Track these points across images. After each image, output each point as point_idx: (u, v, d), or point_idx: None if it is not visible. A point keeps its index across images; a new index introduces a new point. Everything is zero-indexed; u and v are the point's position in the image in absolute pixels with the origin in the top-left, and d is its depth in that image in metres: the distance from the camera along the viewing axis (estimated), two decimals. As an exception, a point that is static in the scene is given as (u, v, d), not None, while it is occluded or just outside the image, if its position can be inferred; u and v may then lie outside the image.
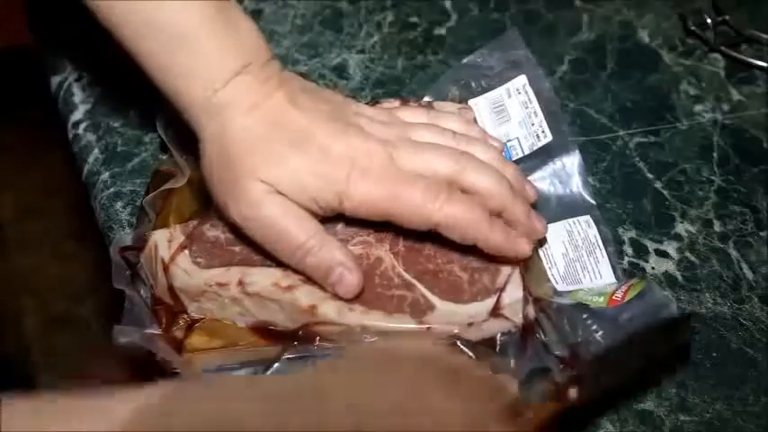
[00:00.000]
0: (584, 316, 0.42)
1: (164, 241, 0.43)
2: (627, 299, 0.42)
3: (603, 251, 0.47)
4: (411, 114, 0.45)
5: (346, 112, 0.42)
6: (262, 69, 0.40)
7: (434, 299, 0.42)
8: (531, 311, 0.42)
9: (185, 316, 0.43)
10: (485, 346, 0.40)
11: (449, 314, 0.41)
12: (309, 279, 0.41)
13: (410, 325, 0.41)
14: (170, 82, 0.40)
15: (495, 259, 0.42)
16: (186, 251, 0.42)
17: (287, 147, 0.39)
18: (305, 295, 0.41)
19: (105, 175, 0.50)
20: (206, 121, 0.40)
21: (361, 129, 0.41)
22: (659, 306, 0.41)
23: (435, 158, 0.41)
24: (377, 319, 0.41)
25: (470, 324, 0.41)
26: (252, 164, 0.39)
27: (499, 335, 0.41)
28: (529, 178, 0.50)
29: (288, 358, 0.41)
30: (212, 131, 0.40)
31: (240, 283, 0.41)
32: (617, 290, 0.42)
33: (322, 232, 0.40)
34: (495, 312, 0.41)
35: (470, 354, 0.40)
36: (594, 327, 0.41)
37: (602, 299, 0.42)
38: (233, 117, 0.40)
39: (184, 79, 0.40)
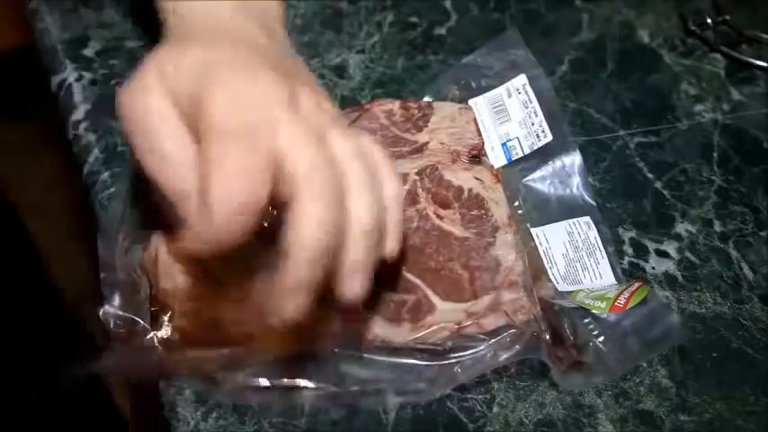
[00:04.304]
0: (586, 320, 0.42)
1: (164, 243, 0.43)
2: (629, 306, 0.42)
3: (604, 252, 0.47)
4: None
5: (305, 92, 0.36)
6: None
7: (436, 298, 0.42)
8: (532, 309, 0.42)
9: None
10: None
11: (450, 312, 0.41)
12: None
13: (410, 325, 0.41)
14: None
15: (496, 258, 0.42)
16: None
17: (239, 71, 0.34)
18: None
19: (105, 175, 0.50)
20: (174, 20, 0.39)
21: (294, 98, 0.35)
22: (661, 315, 0.41)
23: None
24: (376, 322, 0.41)
25: (470, 320, 0.41)
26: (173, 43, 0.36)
27: (499, 330, 0.41)
28: (529, 178, 0.50)
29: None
30: (183, 12, 0.38)
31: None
32: (619, 296, 0.42)
33: (192, 155, 0.33)
34: (495, 309, 0.41)
35: None
36: (596, 332, 0.41)
37: (603, 304, 0.42)
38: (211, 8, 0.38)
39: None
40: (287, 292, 0.32)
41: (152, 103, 0.34)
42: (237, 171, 0.31)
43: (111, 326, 0.40)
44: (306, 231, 0.31)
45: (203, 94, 0.32)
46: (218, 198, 0.30)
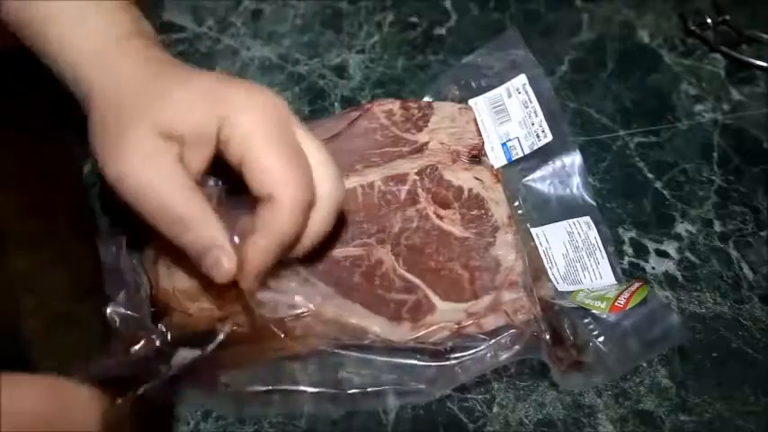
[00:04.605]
0: (586, 320, 0.42)
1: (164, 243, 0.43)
2: (629, 306, 0.42)
3: (603, 252, 0.47)
4: None
5: None
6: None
7: (436, 298, 0.42)
8: (532, 309, 0.42)
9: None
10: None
11: (450, 312, 0.41)
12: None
13: (410, 325, 0.41)
14: (57, 43, 0.39)
15: (496, 258, 0.42)
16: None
17: (173, 83, 0.37)
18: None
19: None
20: (97, 73, 0.38)
21: None
22: (661, 315, 0.41)
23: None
24: (376, 321, 0.41)
25: (470, 320, 0.41)
26: (140, 104, 0.37)
27: (499, 330, 0.41)
28: (529, 178, 0.50)
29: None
30: (103, 82, 0.38)
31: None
32: (619, 296, 0.42)
33: (207, 208, 0.37)
34: (495, 309, 0.41)
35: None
36: (596, 332, 0.41)
37: (603, 304, 0.42)
38: (125, 65, 0.38)
39: (74, 35, 0.39)
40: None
41: (159, 175, 0.36)
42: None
43: (117, 325, 0.40)
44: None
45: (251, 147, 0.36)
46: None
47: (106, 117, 0.37)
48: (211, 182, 0.40)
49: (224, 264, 0.37)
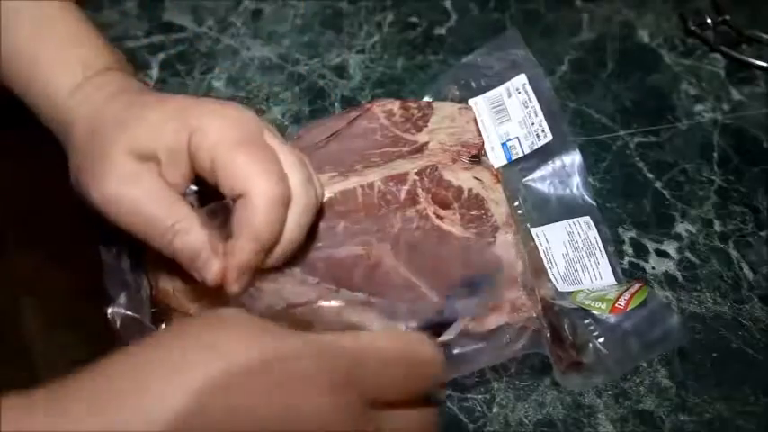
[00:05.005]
0: (587, 321, 0.42)
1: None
2: (630, 307, 0.42)
3: (603, 252, 0.47)
4: None
5: None
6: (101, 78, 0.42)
7: (436, 297, 0.42)
8: (532, 308, 0.42)
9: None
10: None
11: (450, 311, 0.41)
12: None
13: (409, 324, 0.41)
14: (40, 83, 0.41)
15: (496, 257, 0.42)
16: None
17: (145, 108, 0.39)
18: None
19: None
20: (77, 106, 0.40)
21: None
22: (661, 317, 0.41)
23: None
24: (376, 321, 0.41)
25: (472, 320, 0.41)
26: (115, 130, 0.38)
27: (500, 329, 0.41)
28: (529, 178, 0.50)
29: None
30: (83, 113, 0.40)
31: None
32: (620, 297, 0.42)
33: (191, 215, 0.38)
34: (495, 308, 0.41)
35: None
36: (596, 333, 0.41)
37: (604, 305, 0.42)
38: (101, 96, 0.40)
39: (54, 74, 0.41)
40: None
41: (141, 191, 0.38)
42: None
43: (118, 326, 0.40)
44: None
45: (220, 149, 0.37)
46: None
47: (86, 145, 0.39)
48: (193, 191, 0.41)
49: (213, 266, 0.37)
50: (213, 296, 0.42)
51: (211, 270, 0.38)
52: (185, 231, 0.38)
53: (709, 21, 0.60)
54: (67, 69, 0.41)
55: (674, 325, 0.41)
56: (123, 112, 0.39)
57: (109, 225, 0.39)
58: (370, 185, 0.46)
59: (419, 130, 0.49)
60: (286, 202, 0.38)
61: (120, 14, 0.59)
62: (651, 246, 0.50)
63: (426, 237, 0.44)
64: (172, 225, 0.38)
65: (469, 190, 0.46)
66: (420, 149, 0.48)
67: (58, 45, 0.42)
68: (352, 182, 0.46)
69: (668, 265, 0.49)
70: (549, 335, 0.41)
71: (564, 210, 0.49)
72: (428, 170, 0.47)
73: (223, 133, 0.37)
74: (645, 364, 0.44)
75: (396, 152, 0.48)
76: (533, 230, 0.48)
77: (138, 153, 0.38)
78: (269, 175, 0.37)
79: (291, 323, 0.41)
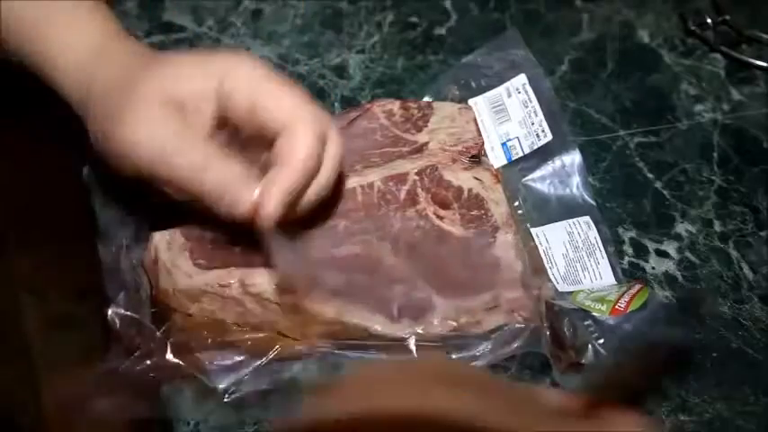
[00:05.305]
0: (587, 323, 0.42)
1: (164, 243, 0.43)
2: (630, 309, 0.42)
3: (603, 252, 0.47)
4: None
5: None
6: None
7: (436, 298, 0.42)
8: (531, 308, 0.42)
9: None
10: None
11: (450, 311, 0.41)
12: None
13: (410, 323, 0.41)
14: (56, 44, 0.41)
15: (496, 257, 0.42)
16: (187, 253, 0.42)
17: (165, 62, 0.40)
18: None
19: (105, 176, 0.50)
20: (98, 65, 0.41)
21: None
22: (661, 317, 0.41)
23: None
24: (377, 321, 0.41)
25: (471, 319, 0.41)
26: (138, 82, 0.39)
27: (500, 329, 0.41)
28: (529, 178, 0.50)
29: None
30: (104, 72, 0.40)
31: (242, 284, 0.41)
32: (620, 299, 0.42)
33: (222, 151, 0.39)
34: (495, 308, 0.41)
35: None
36: (596, 334, 0.41)
37: (604, 306, 0.42)
38: (123, 55, 0.41)
39: (72, 35, 0.41)
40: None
41: (171, 132, 0.38)
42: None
43: (118, 326, 0.40)
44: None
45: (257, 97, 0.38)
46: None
47: (111, 96, 0.39)
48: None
49: (245, 196, 0.38)
50: (226, 254, 0.42)
51: (244, 201, 0.38)
52: (216, 165, 0.38)
53: (709, 21, 0.60)
54: (85, 29, 0.42)
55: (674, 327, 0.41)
56: (144, 66, 0.40)
57: (127, 181, 0.39)
58: (370, 185, 0.46)
59: (419, 130, 0.49)
60: (324, 139, 0.39)
61: (120, 14, 0.59)
62: (651, 246, 0.50)
63: (426, 236, 0.44)
64: (201, 159, 0.38)
65: (469, 190, 0.46)
66: (420, 149, 0.48)
67: (73, 6, 0.42)
68: (353, 182, 0.46)
69: (668, 265, 0.49)
70: (548, 335, 0.41)
71: (564, 210, 0.49)
72: (428, 170, 0.47)
73: (256, 73, 0.39)
74: (645, 364, 0.44)
75: (396, 152, 0.48)
76: (533, 230, 0.48)
77: (166, 99, 0.38)
78: (313, 108, 0.39)
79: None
